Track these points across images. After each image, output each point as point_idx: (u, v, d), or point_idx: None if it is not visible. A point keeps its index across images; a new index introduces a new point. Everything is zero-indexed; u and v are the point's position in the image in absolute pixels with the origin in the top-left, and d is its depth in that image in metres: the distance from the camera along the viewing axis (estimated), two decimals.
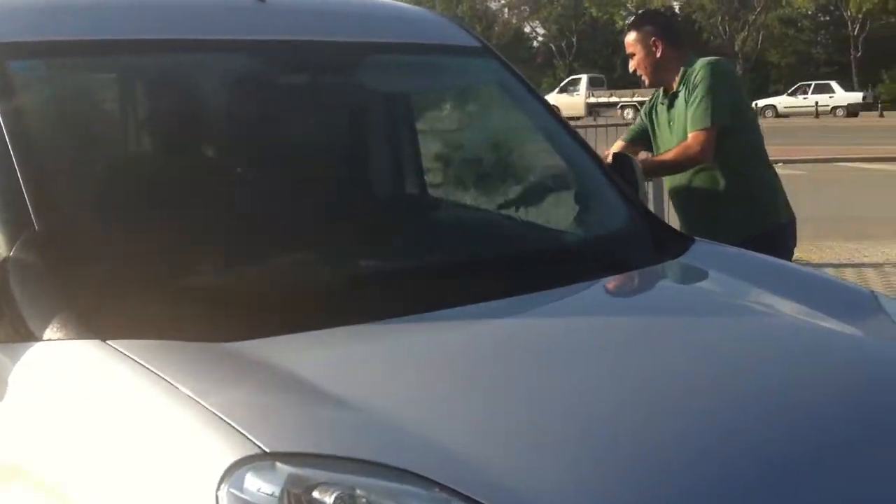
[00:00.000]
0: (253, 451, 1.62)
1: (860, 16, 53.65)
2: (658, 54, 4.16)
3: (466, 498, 1.57)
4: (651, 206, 4.32)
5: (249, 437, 1.64)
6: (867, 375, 2.21)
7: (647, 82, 4.29)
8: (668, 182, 4.38)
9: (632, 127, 4.57)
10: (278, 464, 1.61)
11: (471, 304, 2.29)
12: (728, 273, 2.84)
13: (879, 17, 54.06)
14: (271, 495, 1.57)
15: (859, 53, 54.61)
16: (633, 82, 4.70)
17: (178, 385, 1.80)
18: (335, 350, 2.07)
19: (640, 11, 5.69)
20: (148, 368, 1.85)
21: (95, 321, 2.00)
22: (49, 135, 2.42)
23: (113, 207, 2.37)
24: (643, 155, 4.36)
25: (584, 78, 44.27)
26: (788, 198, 4.29)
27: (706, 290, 2.76)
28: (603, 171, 3.23)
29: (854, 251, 10.16)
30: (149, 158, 2.62)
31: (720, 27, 57.92)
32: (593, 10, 64.78)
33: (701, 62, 4.05)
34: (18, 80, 2.40)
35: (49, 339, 1.97)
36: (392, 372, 1.98)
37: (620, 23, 55.96)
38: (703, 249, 2.96)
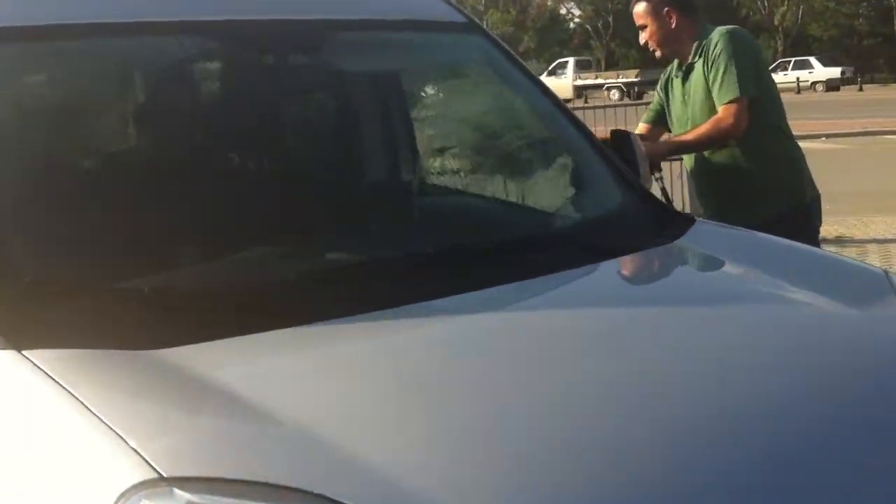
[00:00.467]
0: (149, 475, 1.44)
1: None
2: (672, 25, 3.90)
3: None
4: (664, 190, 4.04)
5: (147, 458, 1.46)
6: (869, 363, 1.99)
7: (658, 55, 4.03)
8: (686, 161, 4.14)
9: (651, 106, 4.31)
10: (176, 490, 1.43)
11: (430, 299, 2.08)
12: (728, 256, 2.61)
13: None
14: None
15: None
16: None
17: (82, 399, 1.62)
18: (266, 357, 1.86)
19: None
20: (55, 380, 1.68)
21: (12, 330, 1.83)
22: None
23: (35, 210, 2.18)
24: (666, 136, 4.13)
25: (571, 61, 47.35)
26: None
27: (701, 276, 2.52)
28: (598, 150, 3.00)
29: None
30: (72, 157, 2.41)
31: (759, 2, 56.91)
32: None
33: (718, 31, 3.80)
34: None
35: None
36: (323, 381, 1.78)
37: None
38: (703, 230, 2.74)
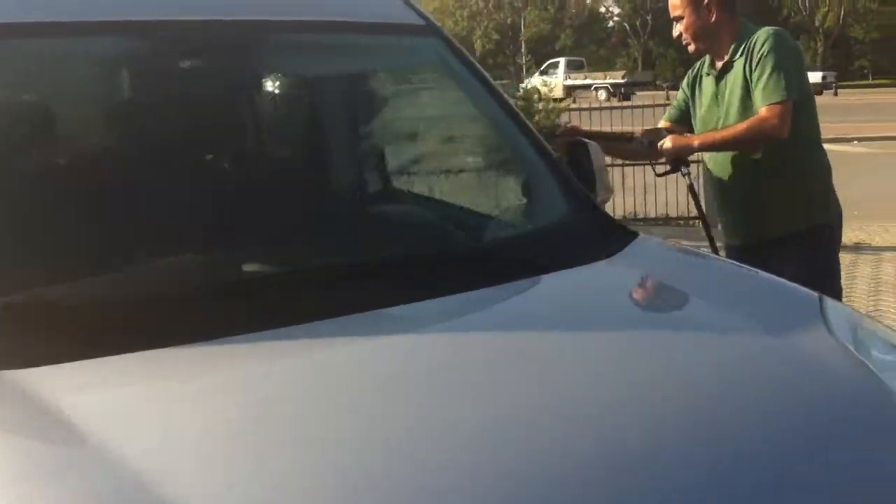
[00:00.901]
0: None
1: None
2: (712, 19, 3.64)
3: None
4: (692, 186, 3.80)
5: None
6: (756, 410, 1.83)
7: (692, 49, 3.76)
8: (710, 162, 3.85)
9: (674, 104, 4.05)
10: None
11: (323, 318, 1.96)
12: (658, 276, 2.47)
13: None
14: None
15: None
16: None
17: None
18: (118, 383, 1.75)
19: None
20: None
21: None
22: None
23: None
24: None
25: (562, 61, 48.93)
26: None
27: (617, 298, 2.34)
28: (547, 161, 2.87)
29: None
30: None
31: (800, 2, 56.17)
32: None
33: (765, 31, 3.56)
34: None
35: None
36: (167, 413, 1.66)
37: None
38: (643, 248, 2.60)
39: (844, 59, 57.30)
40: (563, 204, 2.75)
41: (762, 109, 3.48)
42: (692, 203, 3.99)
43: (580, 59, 52.93)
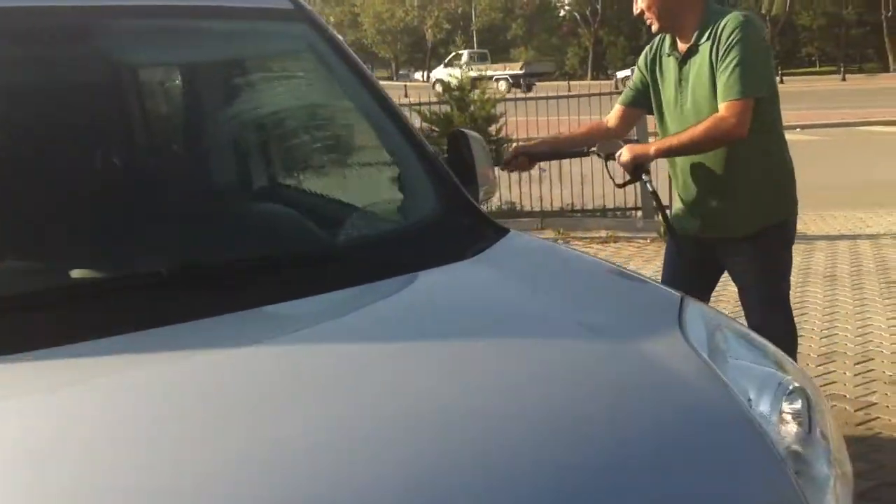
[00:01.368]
0: None
1: None
2: None
3: None
4: (655, 193, 3.64)
5: None
6: (583, 419, 1.71)
7: (655, 28, 3.49)
8: (671, 161, 3.62)
9: (629, 84, 3.78)
10: None
11: (119, 334, 1.77)
12: (512, 277, 2.29)
13: None
14: None
15: (890, 13, 53.09)
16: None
17: None
18: None
19: None
20: None
21: None
22: None
23: None
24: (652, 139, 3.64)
25: (465, 53, 52.16)
26: None
27: (461, 302, 2.13)
28: (419, 153, 2.68)
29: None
30: None
31: None
32: None
33: (734, 17, 3.31)
34: None
35: None
36: None
37: None
38: (508, 246, 2.42)
39: (791, 45, 57.80)
40: (432, 200, 2.57)
41: (721, 106, 3.28)
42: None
43: (484, 51, 55.65)
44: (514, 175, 8.02)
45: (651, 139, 3.93)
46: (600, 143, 3.59)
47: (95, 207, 2.26)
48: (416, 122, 10.48)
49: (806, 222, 9.58)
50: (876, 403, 4.56)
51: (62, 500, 1.36)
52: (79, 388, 1.67)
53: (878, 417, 4.39)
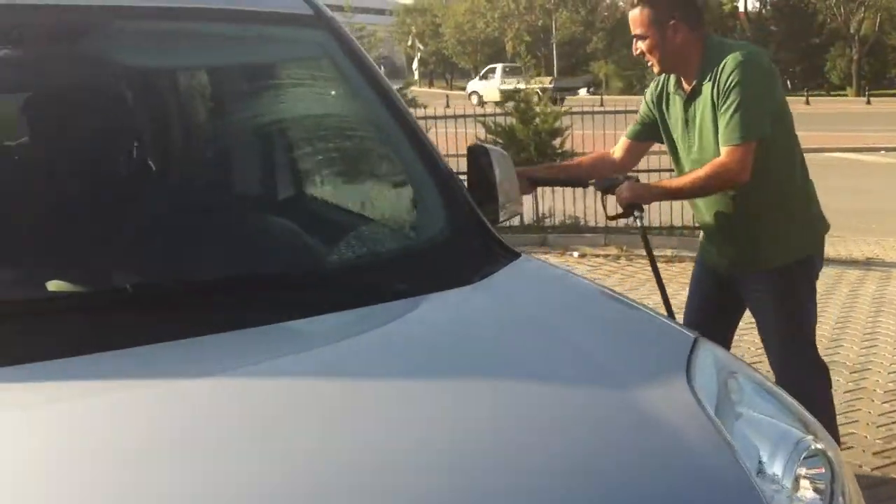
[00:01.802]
0: None
1: None
2: (677, 40, 3.27)
3: None
4: (644, 230, 3.53)
5: None
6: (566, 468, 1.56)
7: (656, 70, 3.39)
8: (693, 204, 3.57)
9: (637, 118, 3.68)
10: None
11: (96, 352, 1.69)
12: (515, 307, 2.13)
13: None
14: None
15: None
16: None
17: None
18: None
19: None
20: None
21: None
22: None
23: None
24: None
25: (499, 67, 52.20)
26: None
27: (457, 332, 1.98)
28: (433, 169, 2.54)
29: None
30: None
31: (835, 9, 55.26)
32: None
33: (732, 58, 3.19)
34: None
35: None
36: None
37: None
38: (515, 272, 2.27)
39: (880, 66, 56.25)
40: (441, 219, 2.43)
41: (722, 151, 3.19)
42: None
43: (518, 65, 56.76)
44: (579, 189, 7.84)
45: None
46: (597, 180, 3.60)
47: (83, 218, 2.17)
48: (482, 133, 10.39)
49: (885, 248, 9.22)
50: None
51: None
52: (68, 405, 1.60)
53: None
